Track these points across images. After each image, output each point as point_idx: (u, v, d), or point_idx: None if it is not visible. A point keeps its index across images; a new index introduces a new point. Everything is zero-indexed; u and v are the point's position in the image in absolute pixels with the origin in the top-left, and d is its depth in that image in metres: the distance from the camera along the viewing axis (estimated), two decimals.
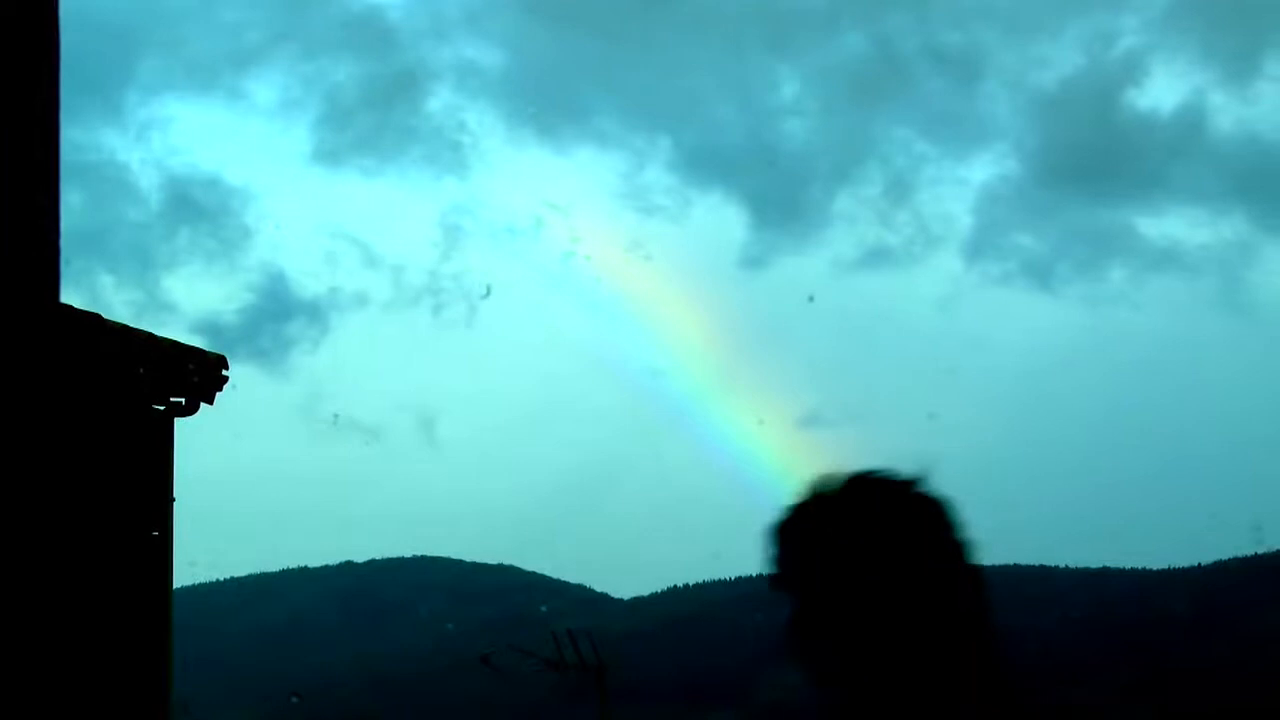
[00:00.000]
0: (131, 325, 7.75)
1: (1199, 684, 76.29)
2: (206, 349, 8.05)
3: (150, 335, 7.84)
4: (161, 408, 7.91)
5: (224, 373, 8.07)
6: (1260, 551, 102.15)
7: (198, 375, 7.94)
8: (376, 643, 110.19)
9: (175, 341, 7.96)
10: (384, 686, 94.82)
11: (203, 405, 8.02)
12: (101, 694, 7.43)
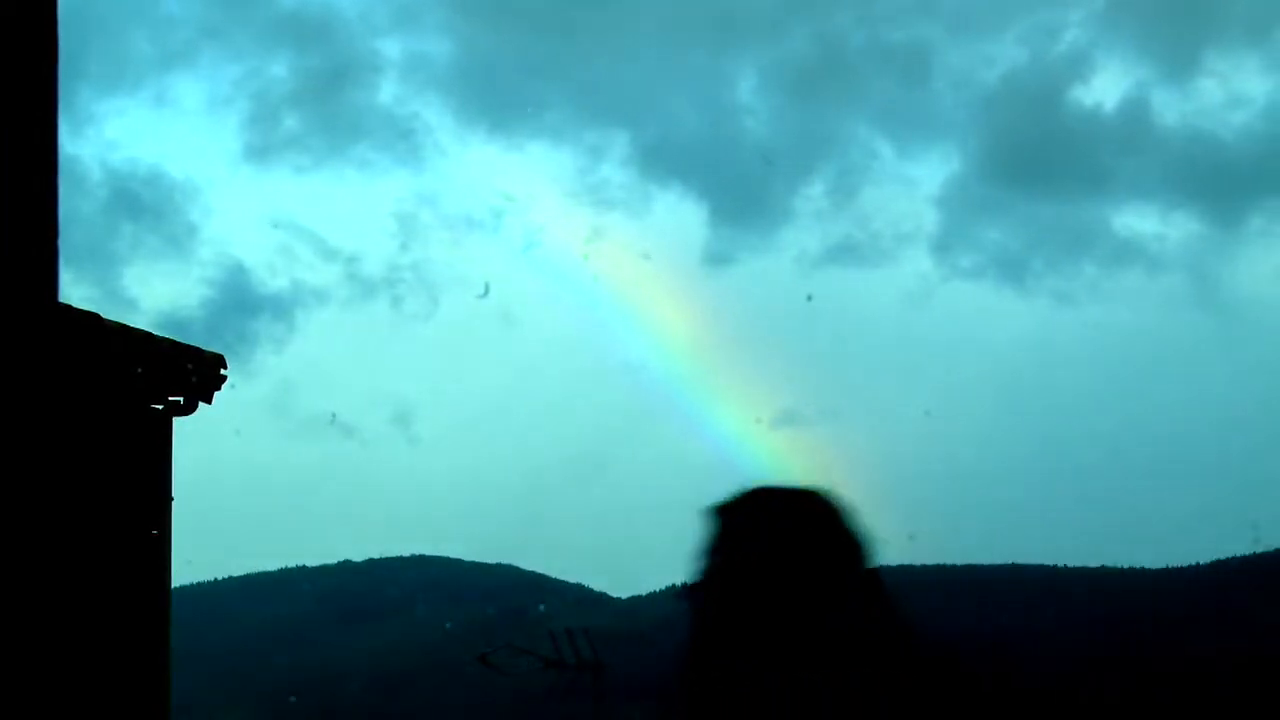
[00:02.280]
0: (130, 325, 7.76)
1: (1197, 683, 76.32)
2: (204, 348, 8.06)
3: (148, 334, 7.85)
4: (160, 407, 7.92)
5: (222, 372, 8.08)
6: (1259, 551, 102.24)
7: (196, 374, 7.94)
8: (375, 642, 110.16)
9: (174, 341, 7.97)
10: (382, 685, 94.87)
11: (201, 404, 8.03)
12: (100, 694, 7.44)
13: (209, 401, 8.03)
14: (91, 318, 7.52)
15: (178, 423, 7.98)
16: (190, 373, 7.90)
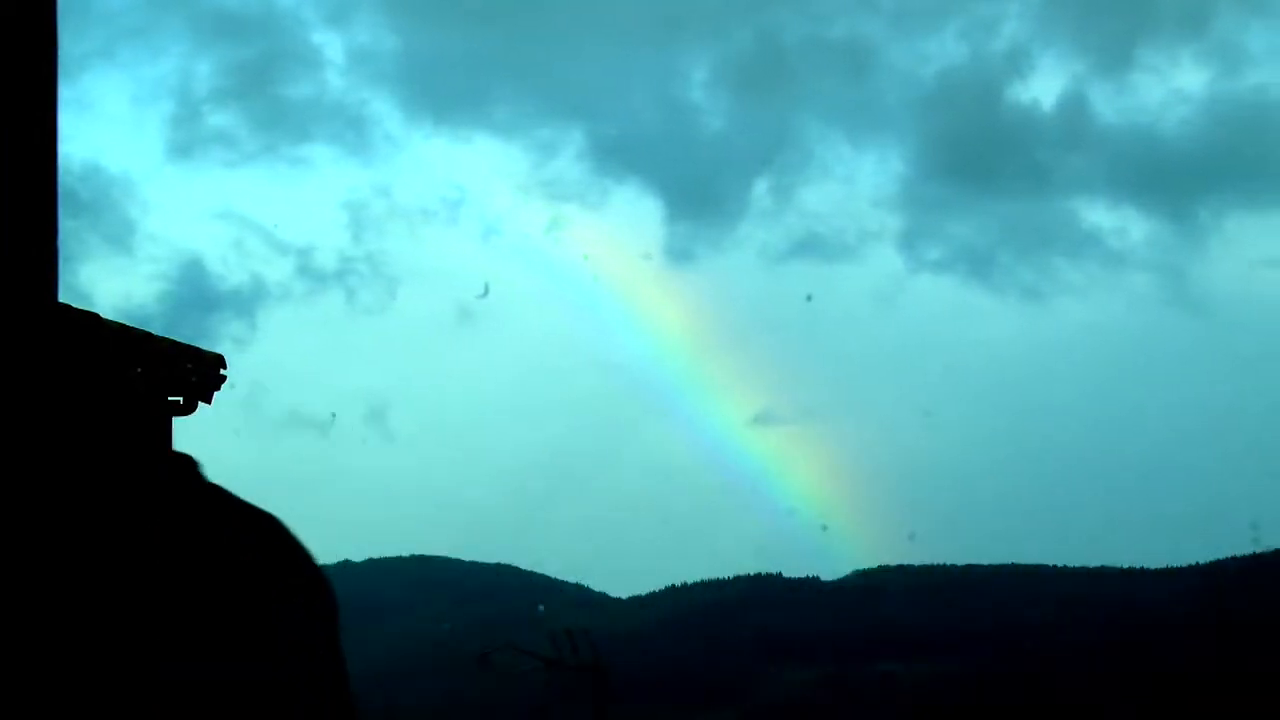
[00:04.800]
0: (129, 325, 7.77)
1: (1196, 683, 76.38)
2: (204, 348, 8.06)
3: (147, 334, 7.86)
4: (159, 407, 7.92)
5: (222, 372, 8.09)
6: (1258, 551, 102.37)
7: (195, 375, 7.95)
8: (375, 642, 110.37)
9: (173, 341, 7.98)
10: (382, 686, 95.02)
11: (200, 405, 8.04)
12: (100, 695, 7.44)
13: (209, 402, 8.05)
14: (91, 318, 7.53)
15: (177, 423, 7.99)
16: (190, 373, 7.91)
